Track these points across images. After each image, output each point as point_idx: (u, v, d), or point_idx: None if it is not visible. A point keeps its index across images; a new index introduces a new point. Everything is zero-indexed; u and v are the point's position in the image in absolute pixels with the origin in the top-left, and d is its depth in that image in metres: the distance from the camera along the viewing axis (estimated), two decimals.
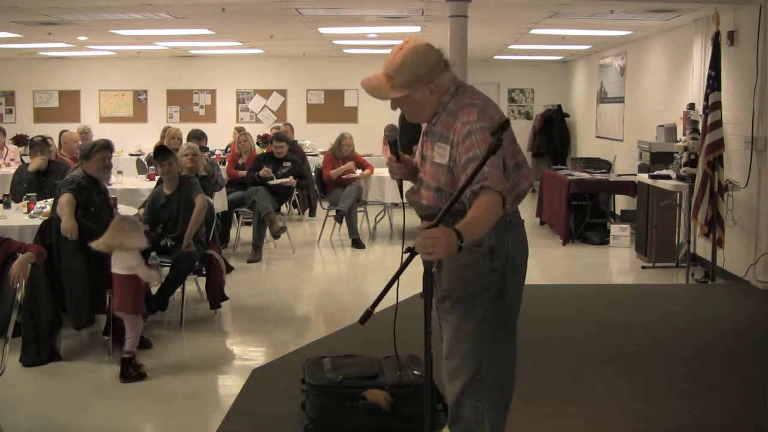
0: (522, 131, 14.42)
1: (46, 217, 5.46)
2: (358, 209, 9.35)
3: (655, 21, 8.77)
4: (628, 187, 9.32)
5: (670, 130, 8.58)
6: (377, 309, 2.46)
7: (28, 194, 6.48)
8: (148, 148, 11.43)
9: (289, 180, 8.85)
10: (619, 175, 10.08)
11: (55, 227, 5.00)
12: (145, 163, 10.51)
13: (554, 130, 14.47)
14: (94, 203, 5.40)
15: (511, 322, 2.90)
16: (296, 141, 11.56)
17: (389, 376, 3.90)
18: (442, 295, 2.86)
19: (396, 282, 2.45)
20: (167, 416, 4.23)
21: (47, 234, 5.02)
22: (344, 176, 9.24)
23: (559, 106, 14.60)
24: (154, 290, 5.57)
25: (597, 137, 12.79)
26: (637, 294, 7.08)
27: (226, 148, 12.25)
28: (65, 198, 5.14)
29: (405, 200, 3.04)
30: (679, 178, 7.67)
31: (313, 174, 9.84)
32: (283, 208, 9.76)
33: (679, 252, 7.97)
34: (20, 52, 13.03)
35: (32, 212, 6.01)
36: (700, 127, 7.29)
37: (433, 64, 2.76)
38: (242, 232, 9.06)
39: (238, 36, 11.41)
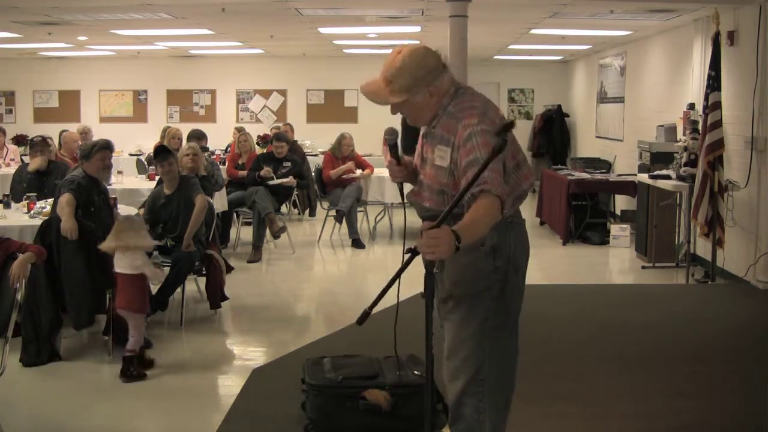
0: (522, 131, 14.42)
1: (46, 217, 5.46)
2: (358, 209, 9.35)
3: (655, 21, 8.77)
4: (628, 187, 9.32)
5: (670, 130, 8.58)
6: (377, 309, 2.46)
7: (28, 194, 6.48)
8: (148, 148, 11.43)
9: (289, 180, 8.85)
10: (619, 175, 10.08)
11: (55, 227, 5.00)
12: (145, 163, 10.52)
13: (554, 130, 14.47)
14: (94, 203, 5.40)
15: (512, 322, 2.91)
16: (296, 141, 11.56)
17: (389, 376, 3.90)
18: (444, 295, 2.86)
19: (397, 282, 2.44)
20: (167, 416, 4.23)
21: (47, 234, 5.02)
22: (344, 176, 9.24)
23: (559, 106, 14.60)
24: (154, 290, 5.57)
25: (597, 137, 12.79)
26: (637, 294, 7.08)
27: (226, 148, 12.25)
28: (65, 198, 5.14)
29: (406, 201, 3.04)
30: (679, 178, 7.67)
31: (313, 174, 9.84)
32: (283, 208, 9.76)
33: (679, 252, 7.97)
34: (20, 52, 13.03)
35: (32, 212, 6.01)
36: (700, 127, 7.29)
37: (432, 67, 2.76)
38: (242, 232, 9.06)
39: (238, 36, 11.41)
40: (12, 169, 8.41)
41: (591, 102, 13.20)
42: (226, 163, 9.77)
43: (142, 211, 6.22)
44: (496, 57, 13.96)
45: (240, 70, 14.64)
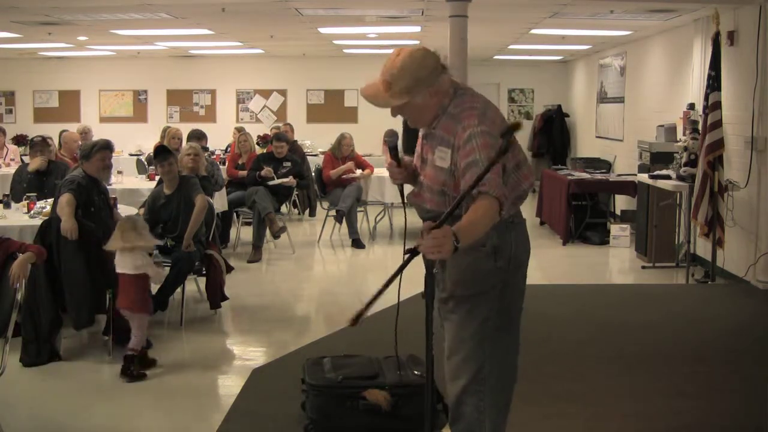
0: (522, 131, 14.35)
1: (46, 217, 5.46)
2: (358, 209, 9.35)
3: (655, 21, 8.77)
4: (628, 187, 9.32)
5: (670, 130, 8.58)
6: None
7: (28, 194, 6.48)
8: (148, 148, 11.43)
9: (289, 180, 8.85)
10: (619, 175, 10.08)
11: (55, 227, 5.00)
12: (145, 163, 10.52)
13: (554, 130, 14.47)
14: (94, 203, 5.40)
15: (513, 321, 2.91)
16: (296, 141, 11.57)
17: (389, 376, 3.90)
18: (445, 295, 2.86)
19: (398, 283, 2.44)
20: (167, 416, 4.23)
21: (47, 234, 5.02)
22: (344, 176, 9.24)
23: (559, 106, 14.60)
24: (154, 290, 5.57)
25: (597, 137, 12.79)
26: (637, 294, 7.08)
27: (226, 148, 12.25)
28: (65, 198, 5.14)
29: (406, 202, 3.04)
30: (679, 178, 7.67)
31: (313, 174, 9.85)
32: (283, 208, 9.76)
33: (679, 252, 7.97)
34: (20, 52, 13.03)
35: (32, 212, 6.01)
36: (700, 127, 7.29)
37: (432, 67, 2.75)
38: (242, 232, 9.06)
39: (238, 36, 11.41)
40: (12, 169, 8.41)
41: (591, 102, 13.20)
42: (226, 163, 9.77)
43: (142, 211, 6.22)
44: (496, 57, 13.96)
45: (240, 70, 14.64)
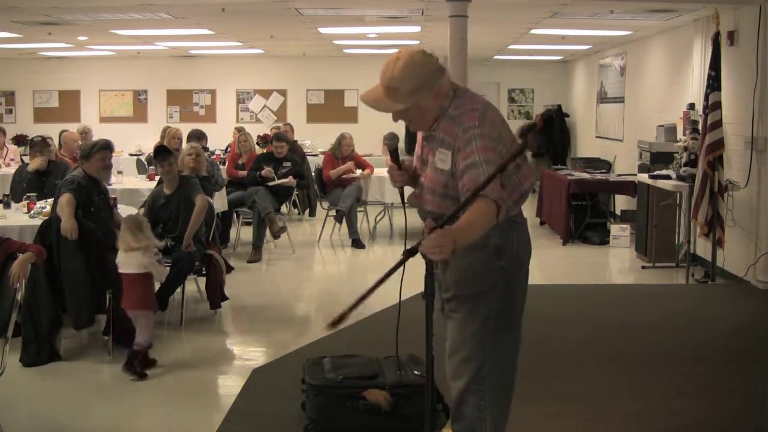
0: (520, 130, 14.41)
1: (46, 217, 5.46)
2: (358, 209, 9.35)
3: (655, 21, 8.78)
4: (628, 187, 9.32)
5: (670, 130, 8.58)
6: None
7: (28, 194, 6.49)
8: (148, 148, 11.43)
9: (289, 180, 8.85)
10: (619, 175, 10.09)
11: (55, 227, 5.00)
12: (145, 163, 10.52)
13: (554, 130, 14.47)
14: (94, 203, 5.40)
15: (514, 321, 2.91)
16: (296, 141, 11.57)
17: (389, 376, 3.90)
18: (447, 295, 2.87)
19: (399, 283, 2.44)
20: (167, 416, 4.23)
21: (47, 234, 5.02)
22: (344, 176, 9.24)
23: (559, 106, 14.60)
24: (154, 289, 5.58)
25: (597, 137, 12.79)
26: (637, 294, 7.08)
27: (226, 148, 12.26)
28: (65, 198, 5.14)
29: (407, 203, 3.04)
30: (679, 178, 7.67)
31: (313, 174, 9.85)
32: (283, 208, 9.76)
33: (679, 252, 7.97)
34: (20, 52, 13.03)
35: (32, 212, 6.02)
36: (700, 127, 7.29)
37: (433, 69, 2.74)
38: (242, 232, 9.06)
39: (238, 36, 11.41)
40: (12, 169, 8.41)
41: (591, 102, 13.20)
42: (226, 163, 9.77)
43: (142, 211, 6.21)
44: (496, 57, 13.96)
45: (240, 70, 14.64)
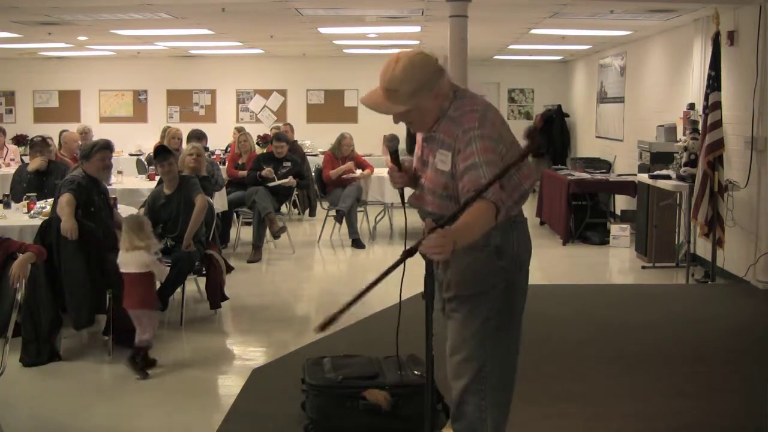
0: (522, 131, 14.39)
1: (46, 217, 5.46)
2: (358, 209, 9.35)
3: (655, 21, 8.78)
4: (628, 187, 9.32)
5: (670, 130, 8.58)
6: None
7: (28, 194, 6.49)
8: (148, 148, 11.43)
9: (289, 180, 8.86)
10: (619, 175, 10.09)
11: (55, 227, 5.00)
12: (145, 163, 10.52)
13: (554, 130, 14.47)
14: (94, 203, 5.40)
15: (514, 321, 2.92)
16: (296, 141, 11.57)
17: (389, 376, 3.90)
18: (448, 294, 2.88)
19: (399, 283, 2.44)
20: (167, 416, 4.23)
21: (47, 234, 5.02)
22: (344, 176, 9.24)
23: (559, 106, 14.60)
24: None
25: (597, 137, 12.79)
26: (637, 294, 7.08)
27: (226, 148, 12.26)
28: (65, 198, 5.14)
29: (407, 203, 3.03)
30: (679, 178, 7.67)
31: (313, 174, 9.85)
32: (283, 208, 9.76)
33: (679, 252, 7.97)
34: (20, 52, 13.03)
35: (32, 212, 6.02)
36: (700, 127, 7.29)
37: (433, 71, 2.74)
38: (242, 232, 9.06)
39: (238, 36, 11.41)
40: (12, 169, 8.41)
41: (591, 102, 13.20)
42: (226, 163, 9.77)
43: (142, 211, 6.22)
44: (496, 57, 13.97)
45: (240, 70, 14.64)
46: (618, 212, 10.30)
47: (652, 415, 4.10)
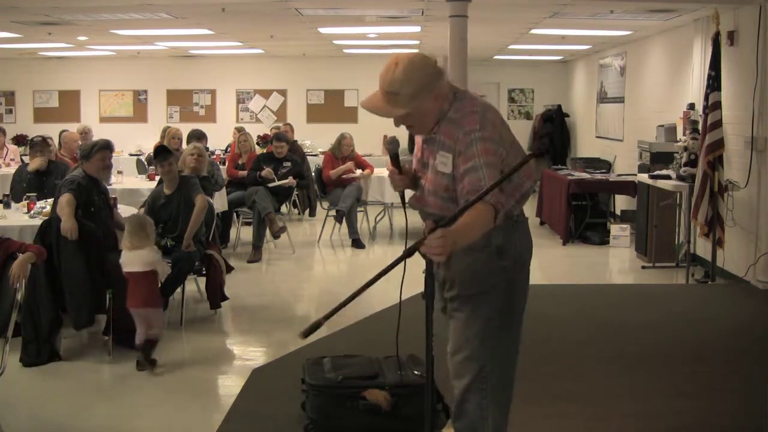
0: (522, 131, 14.43)
1: (46, 217, 5.46)
2: (358, 209, 9.35)
3: (655, 21, 8.78)
4: (628, 187, 9.32)
5: (670, 130, 8.58)
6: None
7: (28, 194, 6.49)
8: (148, 148, 11.43)
9: (289, 180, 8.85)
10: (619, 175, 10.09)
11: (55, 227, 5.00)
12: (145, 163, 10.52)
13: (554, 130, 14.46)
14: (94, 203, 5.40)
15: (515, 321, 2.92)
16: (296, 141, 11.57)
17: (389, 376, 3.90)
18: (450, 294, 2.88)
19: (400, 283, 2.44)
20: (167, 416, 4.23)
21: (47, 234, 5.02)
22: (344, 176, 9.24)
23: (559, 106, 14.60)
24: None
25: (597, 137, 12.79)
26: (637, 294, 7.08)
27: (226, 148, 12.26)
28: (65, 198, 5.14)
29: (408, 205, 3.03)
30: (679, 178, 7.67)
31: (313, 174, 9.85)
32: (283, 208, 9.76)
33: (679, 252, 7.97)
34: (20, 52, 13.03)
35: (32, 212, 6.02)
36: (700, 127, 7.29)
37: (433, 72, 2.74)
38: (242, 232, 9.06)
39: (238, 36, 11.41)
40: (12, 169, 8.41)
41: (591, 102, 13.20)
42: (226, 163, 9.77)
43: (142, 210, 6.22)
44: (496, 57, 13.96)
45: (240, 70, 14.64)
46: (618, 212, 10.30)
47: (652, 415, 4.11)
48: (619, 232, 9.13)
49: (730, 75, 7.24)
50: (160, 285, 5.52)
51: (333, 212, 9.09)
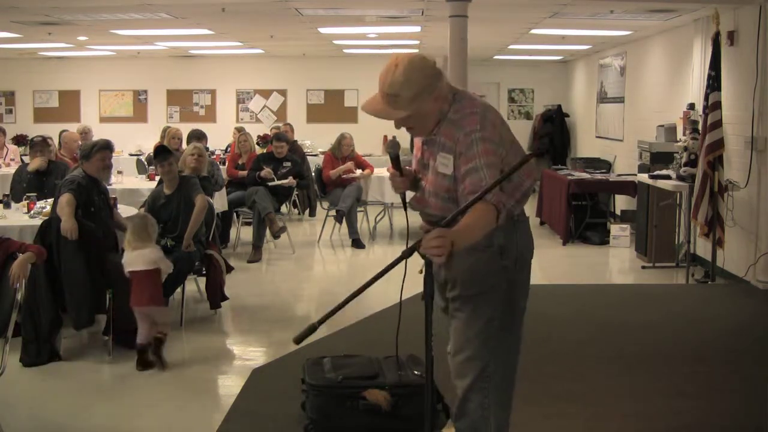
0: (522, 131, 14.43)
1: (46, 217, 5.46)
2: (358, 209, 9.35)
3: (655, 21, 8.78)
4: (628, 187, 9.32)
5: (670, 130, 8.58)
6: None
7: (28, 194, 6.48)
8: (148, 148, 11.43)
9: (289, 180, 8.86)
10: (619, 175, 10.09)
11: (55, 227, 5.00)
12: (145, 163, 10.52)
13: (554, 130, 14.46)
14: (94, 203, 5.40)
15: (516, 321, 2.92)
16: (296, 141, 11.57)
17: (389, 376, 3.90)
18: (452, 294, 2.88)
19: (401, 283, 2.43)
20: (167, 416, 4.23)
21: (47, 234, 5.02)
22: (344, 176, 9.24)
23: (559, 106, 14.60)
24: None
25: (597, 137, 12.79)
26: (637, 294, 7.08)
27: (226, 148, 12.26)
28: (65, 198, 5.14)
29: (409, 206, 3.03)
30: (679, 178, 7.67)
31: (313, 174, 9.85)
32: (283, 208, 9.76)
33: (679, 252, 7.97)
34: (20, 52, 13.03)
35: (32, 212, 6.01)
36: (700, 127, 7.29)
37: (432, 73, 2.74)
38: (242, 232, 9.06)
39: (238, 36, 11.41)
40: (12, 169, 8.41)
41: (591, 102, 13.20)
42: (226, 163, 9.77)
43: (142, 210, 6.22)
44: (496, 57, 13.96)
45: (240, 70, 14.64)
46: (618, 212, 10.30)
47: (652, 415, 4.11)
48: (619, 232, 9.14)
49: (730, 75, 7.24)
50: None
51: (333, 212, 9.09)
